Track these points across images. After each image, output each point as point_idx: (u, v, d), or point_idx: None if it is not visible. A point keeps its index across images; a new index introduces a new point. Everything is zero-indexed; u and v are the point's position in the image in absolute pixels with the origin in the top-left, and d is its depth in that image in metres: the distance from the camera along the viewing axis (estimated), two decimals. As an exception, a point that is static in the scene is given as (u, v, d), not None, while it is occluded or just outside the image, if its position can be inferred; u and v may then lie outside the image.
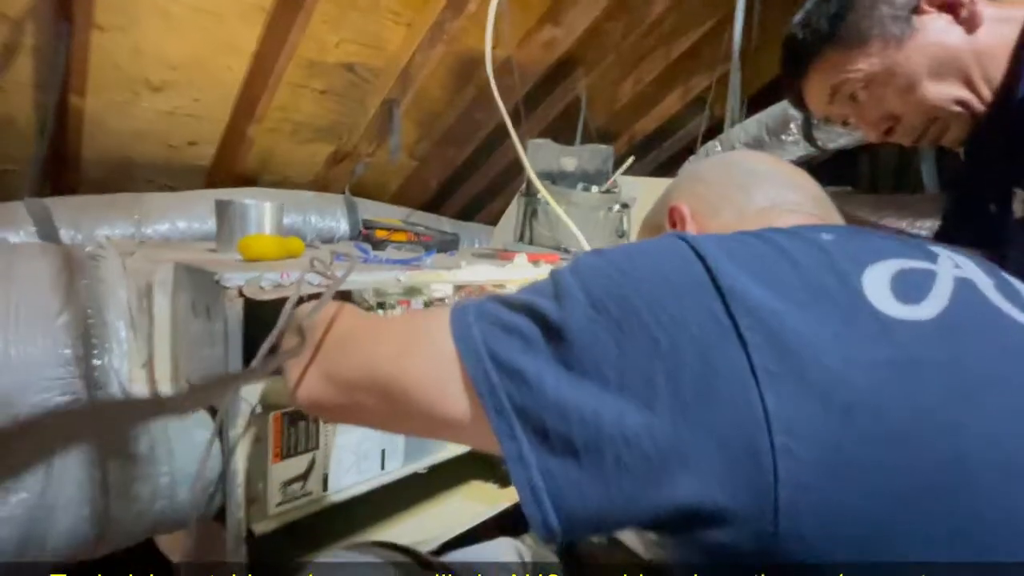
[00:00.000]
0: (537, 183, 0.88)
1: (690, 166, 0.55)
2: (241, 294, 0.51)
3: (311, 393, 0.43)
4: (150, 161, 1.67)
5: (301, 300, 0.51)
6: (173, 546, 0.69)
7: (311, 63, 1.61)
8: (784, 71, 0.70)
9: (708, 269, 0.30)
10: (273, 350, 0.48)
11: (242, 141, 1.71)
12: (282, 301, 0.51)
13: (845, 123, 0.69)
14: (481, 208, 2.34)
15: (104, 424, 0.50)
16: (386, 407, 0.38)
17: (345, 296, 0.62)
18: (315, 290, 0.53)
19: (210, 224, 1.44)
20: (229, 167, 1.83)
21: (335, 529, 0.73)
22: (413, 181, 2.18)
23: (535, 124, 1.98)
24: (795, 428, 0.25)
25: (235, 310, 0.51)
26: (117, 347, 0.65)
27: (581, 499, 0.29)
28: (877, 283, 0.30)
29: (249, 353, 0.53)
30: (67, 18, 1.21)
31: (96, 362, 0.63)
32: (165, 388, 0.65)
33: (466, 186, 2.21)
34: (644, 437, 0.27)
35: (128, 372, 0.65)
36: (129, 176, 1.67)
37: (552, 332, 0.31)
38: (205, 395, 0.39)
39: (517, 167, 2.12)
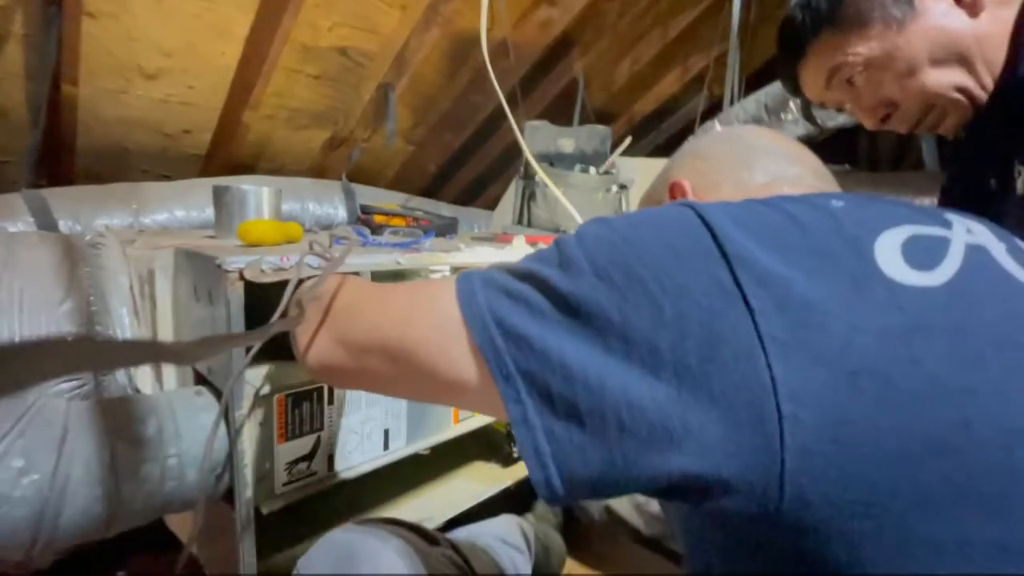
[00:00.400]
0: (535, 165, 0.87)
1: (690, 143, 0.54)
2: (242, 277, 0.52)
3: (321, 357, 0.44)
4: (145, 150, 1.66)
5: (301, 282, 0.51)
6: (182, 525, 0.70)
7: (304, 48, 1.60)
8: (781, 54, 0.69)
9: (714, 236, 0.30)
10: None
11: (237, 128, 1.70)
12: (282, 285, 0.51)
13: (840, 109, 0.69)
14: (479, 193, 2.34)
15: (110, 404, 0.51)
16: (394, 371, 0.39)
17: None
18: (315, 272, 0.53)
19: (208, 213, 1.44)
20: (225, 155, 1.82)
21: (340, 509, 0.74)
22: (410, 166, 2.17)
23: (532, 106, 1.96)
24: (802, 395, 0.25)
25: (236, 294, 0.51)
26: (120, 333, 0.66)
27: (584, 462, 0.29)
28: (889, 249, 0.29)
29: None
30: (56, 4, 1.19)
31: (100, 348, 0.64)
32: (169, 372, 0.65)
33: (464, 170, 2.20)
34: (648, 404, 0.28)
35: (132, 358, 0.66)
36: (125, 165, 1.66)
37: (557, 300, 0.31)
38: (206, 349, 0.39)
39: (515, 150, 2.11)
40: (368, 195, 1.86)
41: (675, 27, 1.87)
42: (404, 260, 0.65)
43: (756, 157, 0.47)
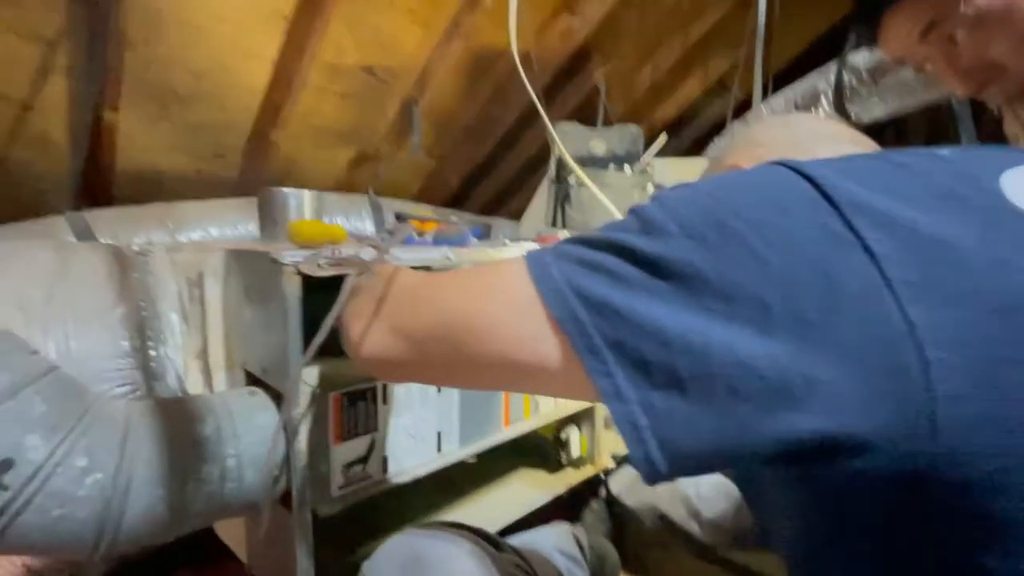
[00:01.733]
0: (572, 164, 0.86)
1: (739, 133, 0.50)
2: (299, 272, 0.51)
3: (376, 350, 0.41)
4: (179, 175, 1.70)
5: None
6: (233, 534, 0.68)
7: (331, 67, 1.63)
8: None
9: (817, 186, 0.28)
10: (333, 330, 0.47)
11: (267, 149, 1.74)
12: (335, 286, 0.50)
13: (919, 69, 0.61)
14: (502, 204, 2.34)
15: (168, 403, 0.50)
16: (461, 357, 0.36)
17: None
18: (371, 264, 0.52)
19: (240, 230, 1.46)
20: (255, 177, 1.85)
21: (392, 517, 0.72)
22: (434, 180, 2.19)
23: (554, 116, 1.96)
24: (948, 339, 0.23)
25: (293, 288, 0.51)
26: (171, 338, 0.65)
27: (689, 433, 0.27)
28: (1016, 186, 0.27)
29: (309, 335, 0.52)
30: (103, 38, 1.24)
31: (152, 353, 0.64)
32: (219, 375, 0.65)
33: (487, 182, 2.21)
34: (762, 363, 0.25)
35: (183, 362, 0.66)
36: (159, 190, 1.70)
37: (645, 264, 0.29)
38: None
39: (538, 160, 2.12)
40: (394, 208, 1.87)
41: (695, 32, 1.87)
42: (454, 255, 0.64)
43: (816, 141, 0.45)
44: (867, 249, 0.25)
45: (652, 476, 0.28)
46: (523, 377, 0.35)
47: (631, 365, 0.28)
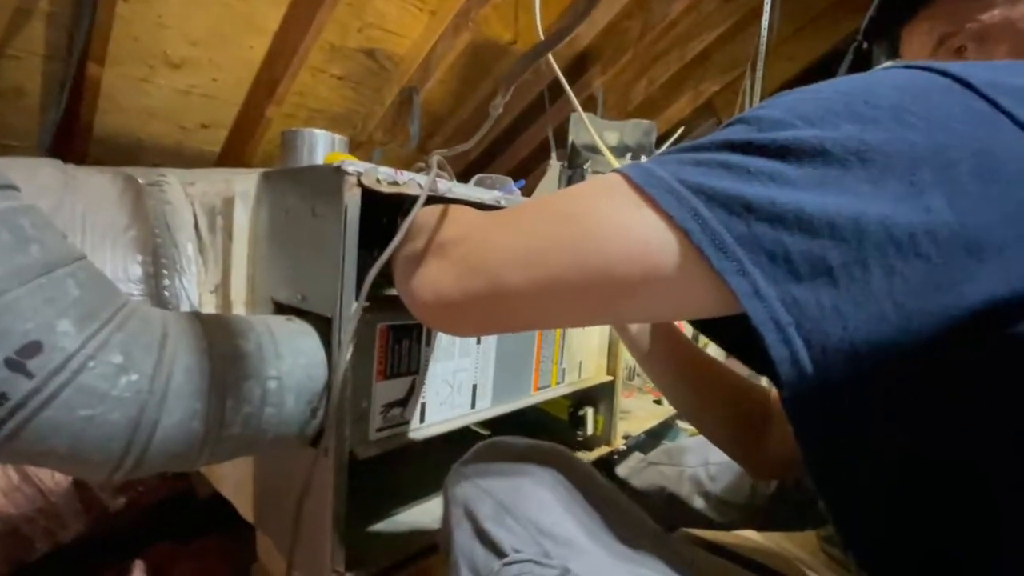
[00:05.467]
0: (602, 146, 0.86)
1: None
2: (360, 183, 0.47)
3: (440, 289, 0.37)
4: (159, 143, 1.61)
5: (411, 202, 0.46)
6: (242, 497, 0.62)
7: (332, 47, 1.60)
8: (883, 12, 0.67)
9: (947, 74, 0.27)
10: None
11: (256, 125, 1.67)
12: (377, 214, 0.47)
13: None
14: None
15: (207, 317, 0.44)
16: (548, 283, 0.32)
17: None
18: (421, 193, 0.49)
19: (229, 201, 1.38)
20: (238, 154, 1.77)
21: (414, 483, 0.67)
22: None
23: (552, 119, 1.98)
24: None
25: (355, 200, 0.47)
26: (187, 268, 0.59)
27: (839, 325, 0.25)
28: None
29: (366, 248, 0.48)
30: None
31: (167, 282, 0.58)
32: (240, 311, 0.59)
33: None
34: (921, 238, 0.24)
35: (198, 296, 0.60)
36: (136, 158, 1.60)
37: (770, 154, 0.27)
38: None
39: (534, 160, 2.12)
40: (387, 199, 1.83)
41: (691, 51, 1.93)
42: (504, 200, 0.61)
43: None
44: (1016, 123, 0.25)
45: (798, 379, 0.26)
46: (626, 294, 0.31)
47: (768, 260, 0.26)
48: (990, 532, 0.29)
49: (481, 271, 0.35)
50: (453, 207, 0.43)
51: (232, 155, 1.75)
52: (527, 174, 2.18)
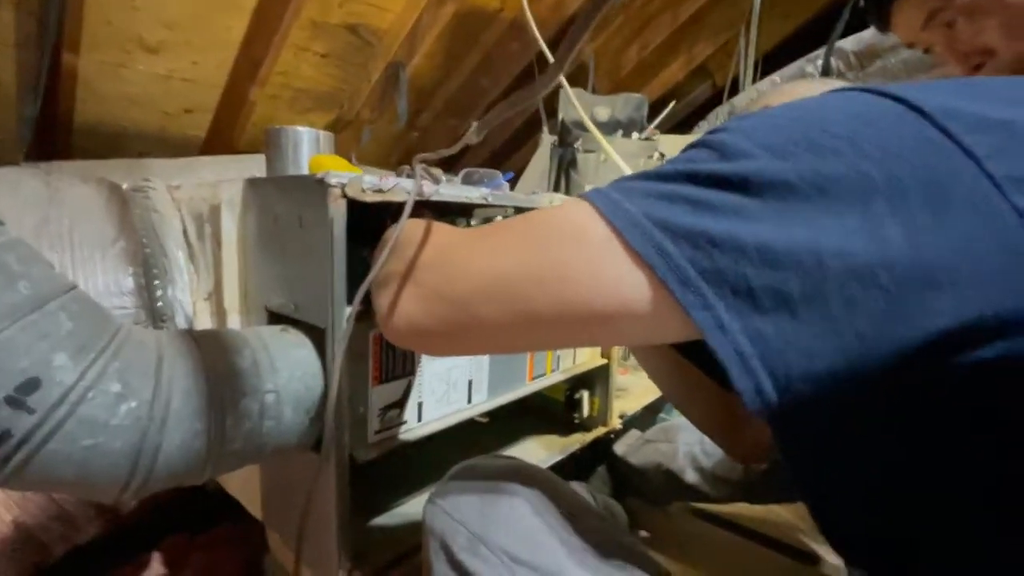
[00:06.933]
0: (591, 125, 0.85)
1: (768, 90, 0.51)
2: (344, 195, 0.47)
3: (414, 317, 0.37)
4: (143, 130, 1.58)
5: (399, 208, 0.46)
6: (244, 489, 0.64)
7: (313, 24, 1.55)
8: None
9: (901, 100, 0.27)
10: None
11: (241, 107, 1.63)
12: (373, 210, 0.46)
13: (927, 50, 0.66)
14: (485, 180, 2.30)
15: (201, 334, 0.45)
16: (518, 316, 0.33)
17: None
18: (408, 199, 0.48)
19: (218, 189, 1.37)
20: (225, 138, 1.74)
21: (413, 476, 0.69)
22: (415, 152, 2.12)
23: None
24: None
25: (340, 212, 0.47)
26: (179, 278, 0.60)
27: (801, 355, 0.25)
28: None
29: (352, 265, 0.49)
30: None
31: (159, 292, 0.58)
32: (233, 319, 0.60)
33: (471, 154, 2.16)
34: (878, 269, 0.24)
35: (192, 304, 0.60)
36: (120, 146, 1.57)
37: (731, 187, 0.27)
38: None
39: (526, 133, 2.09)
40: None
41: (684, 12, 1.88)
42: (492, 197, 0.61)
43: None
44: (966, 152, 0.25)
45: (762, 408, 0.27)
46: (596, 325, 0.32)
47: (731, 293, 0.27)
48: (963, 531, 0.30)
49: (452, 301, 0.36)
50: (433, 226, 0.43)
51: (219, 140, 1.72)
52: (520, 147, 2.15)
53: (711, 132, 0.32)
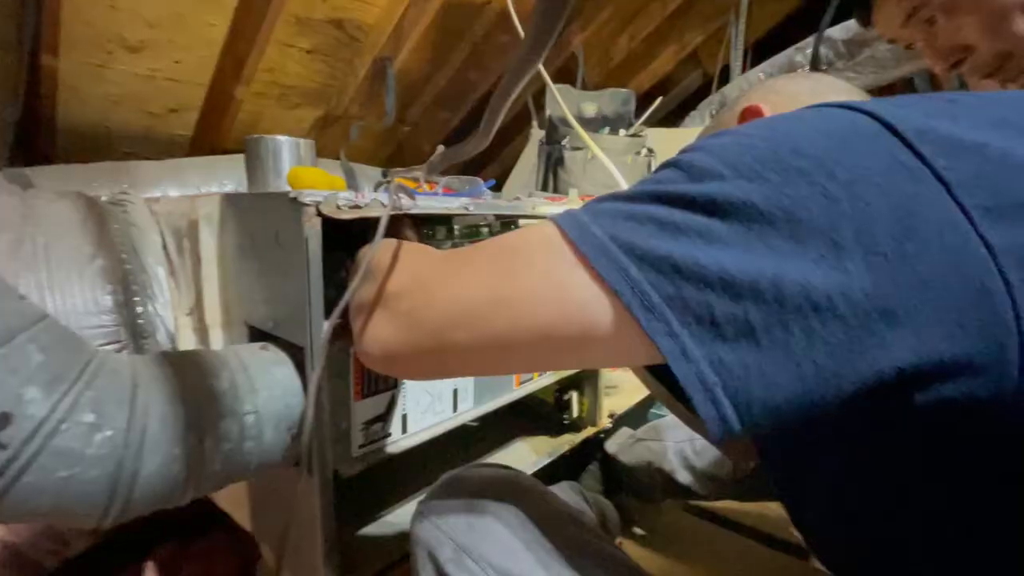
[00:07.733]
0: (576, 126, 0.84)
1: (753, 86, 0.50)
2: (319, 213, 0.46)
3: (387, 344, 0.37)
4: (128, 131, 1.56)
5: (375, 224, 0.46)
6: (234, 501, 0.64)
7: (298, 20, 1.52)
8: None
9: (876, 117, 0.27)
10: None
11: (228, 105, 1.62)
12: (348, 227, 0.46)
13: (909, 47, 0.66)
14: (478, 172, 2.29)
15: (176, 357, 0.45)
16: (488, 341, 0.33)
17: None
18: (393, 212, 0.48)
19: (204, 191, 1.36)
20: (212, 137, 1.72)
21: (401, 484, 0.69)
22: (405, 147, 2.11)
23: (531, 82, 1.92)
24: None
25: (315, 231, 0.46)
26: (160, 294, 0.59)
27: (763, 385, 0.25)
28: None
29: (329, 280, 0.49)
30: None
31: (139, 309, 0.58)
32: (216, 334, 0.59)
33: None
34: (838, 301, 0.24)
35: (173, 320, 0.60)
36: (106, 147, 1.55)
37: (698, 209, 0.27)
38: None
39: (516, 128, 2.07)
40: (367, 174, 1.80)
41: (673, 1, 1.85)
42: (472, 207, 0.61)
43: (835, 93, 0.44)
44: (938, 178, 0.24)
45: (726, 434, 0.26)
46: (565, 351, 0.32)
47: (695, 321, 0.26)
48: (938, 541, 0.31)
49: (425, 328, 0.36)
50: (406, 248, 0.42)
51: (206, 139, 1.70)
52: (509, 141, 2.13)
53: (683, 151, 0.31)
